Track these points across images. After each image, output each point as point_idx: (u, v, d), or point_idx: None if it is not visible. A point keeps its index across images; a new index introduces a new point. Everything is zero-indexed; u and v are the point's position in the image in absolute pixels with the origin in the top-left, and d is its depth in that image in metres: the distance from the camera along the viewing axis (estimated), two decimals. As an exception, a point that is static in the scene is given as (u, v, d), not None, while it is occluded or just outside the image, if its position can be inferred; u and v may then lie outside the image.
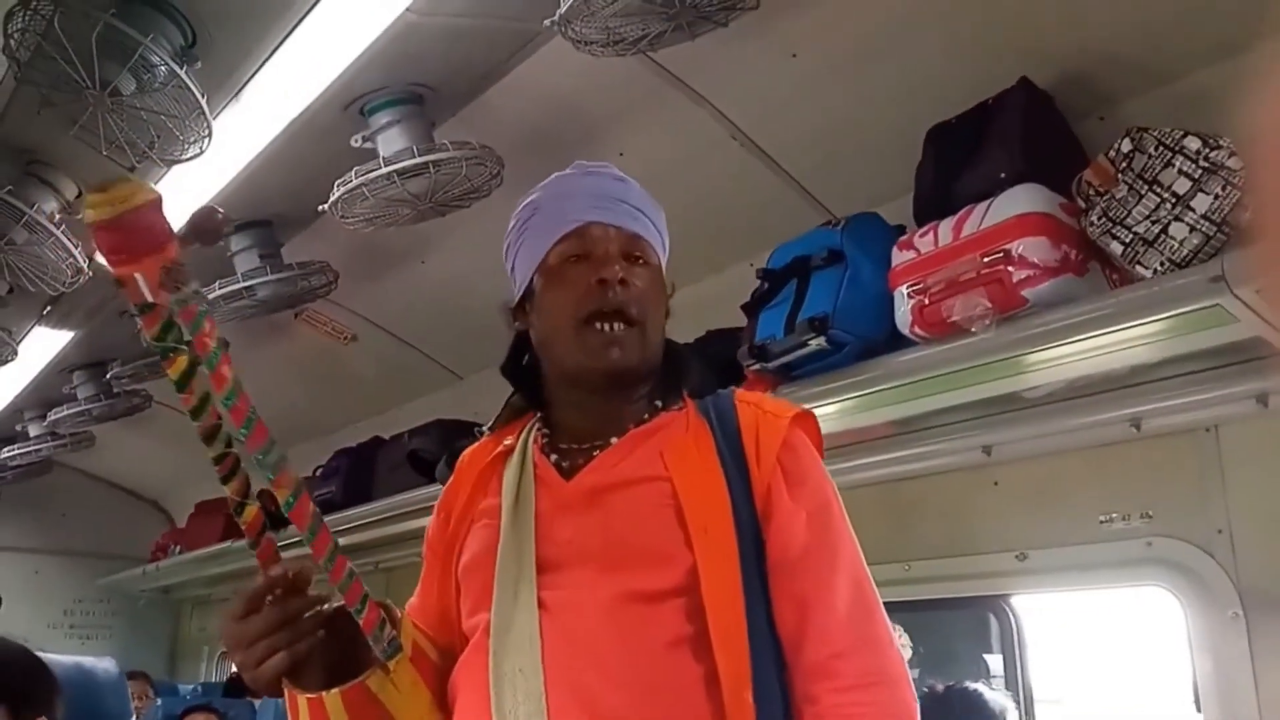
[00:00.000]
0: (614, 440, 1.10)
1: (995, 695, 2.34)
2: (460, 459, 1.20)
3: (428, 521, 1.20)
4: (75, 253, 2.75)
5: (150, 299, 0.87)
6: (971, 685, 2.37)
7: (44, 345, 3.83)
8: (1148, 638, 2.59)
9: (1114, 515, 2.14)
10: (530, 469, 1.10)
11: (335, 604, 0.98)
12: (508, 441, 1.15)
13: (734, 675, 0.95)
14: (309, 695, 0.97)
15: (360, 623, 0.97)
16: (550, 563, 1.02)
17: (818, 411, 2.09)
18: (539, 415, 1.18)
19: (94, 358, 4.09)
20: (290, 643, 0.93)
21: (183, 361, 0.88)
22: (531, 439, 1.14)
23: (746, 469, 1.05)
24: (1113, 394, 2.01)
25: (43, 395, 4.46)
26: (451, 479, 1.18)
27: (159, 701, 3.63)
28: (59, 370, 4.19)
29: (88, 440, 4.77)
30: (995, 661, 2.79)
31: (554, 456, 1.12)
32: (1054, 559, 2.28)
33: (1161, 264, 1.64)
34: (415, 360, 3.76)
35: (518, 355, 1.20)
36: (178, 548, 5.00)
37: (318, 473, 4.02)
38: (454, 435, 3.27)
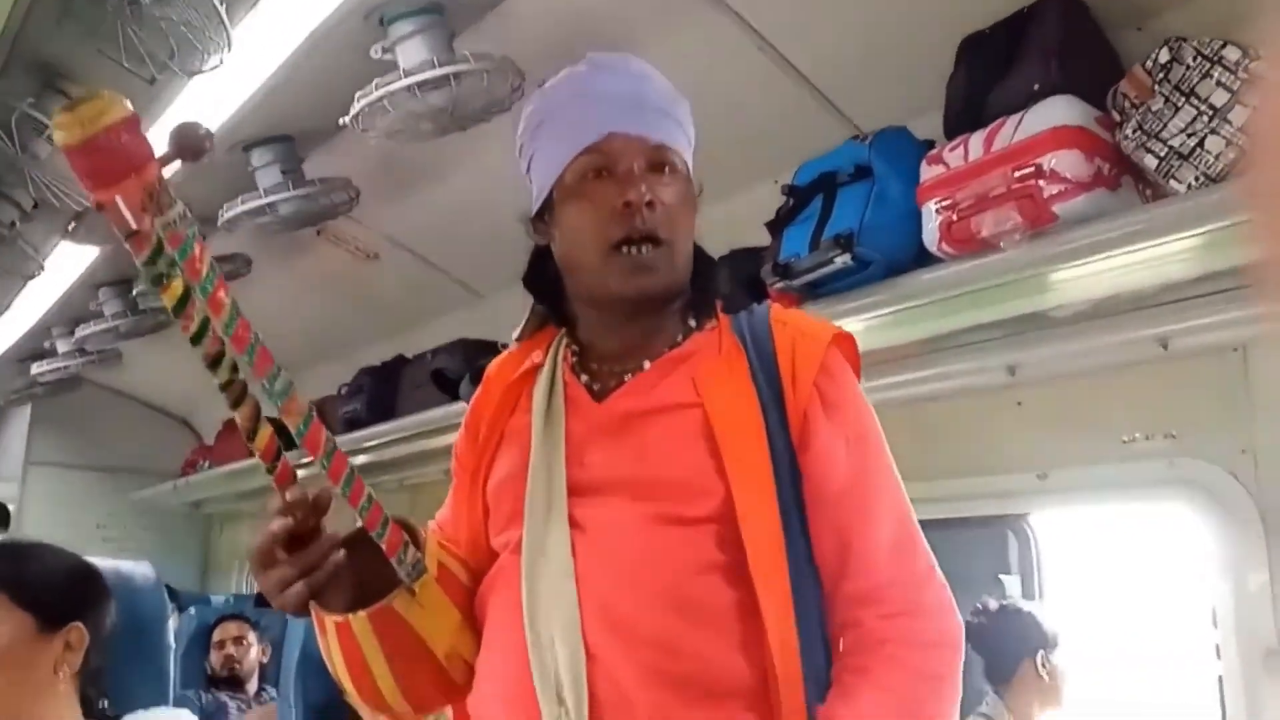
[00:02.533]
0: (646, 364, 1.07)
1: (1048, 617, 2.36)
2: (488, 371, 1.17)
3: (452, 439, 1.18)
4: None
5: (133, 224, 0.83)
6: (1025, 606, 2.38)
7: (70, 261, 3.84)
8: (1166, 559, 2.59)
9: (1137, 435, 2.13)
10: (560, 388, 1.08)
11: (356, 527, 0.98)
12: (535, 357, 1.12)
13: (776, 605, 0.94)
14: (335, 618, 0.97)
15: (383, 545, 0.97)
16: (581, 485, 1.01)
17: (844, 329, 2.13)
18: (566, 331, 1.15)
19: (120, 274, 4.11)
20: (312, 567, 0.93)
21: (177, 287, 0.86)
22: (561, 356, 1.11)
23: (782, 394, 1.02)
24: (1141, 313, 1.99)
25: (70, 312, 4.49)
26: (479, 391, 1.16)
27: (191, 610, 3.72)
28: (86, 286, 4.22)
29: (115, 357, 4.82)
30: (1011, 584, 2.81)
31: (584, 377, 1.09)
32: (1075, 478, 2.27)
33: (1196, 178, 1.60)
34: (437, 279, 3.75)
35: (539, 267, 1.16)
36: (206, 463, 5.08)
37: (342, 391, 4.06)
38: (477, 354, 3.29)
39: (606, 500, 0.99)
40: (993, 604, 2.41)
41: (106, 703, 1.37)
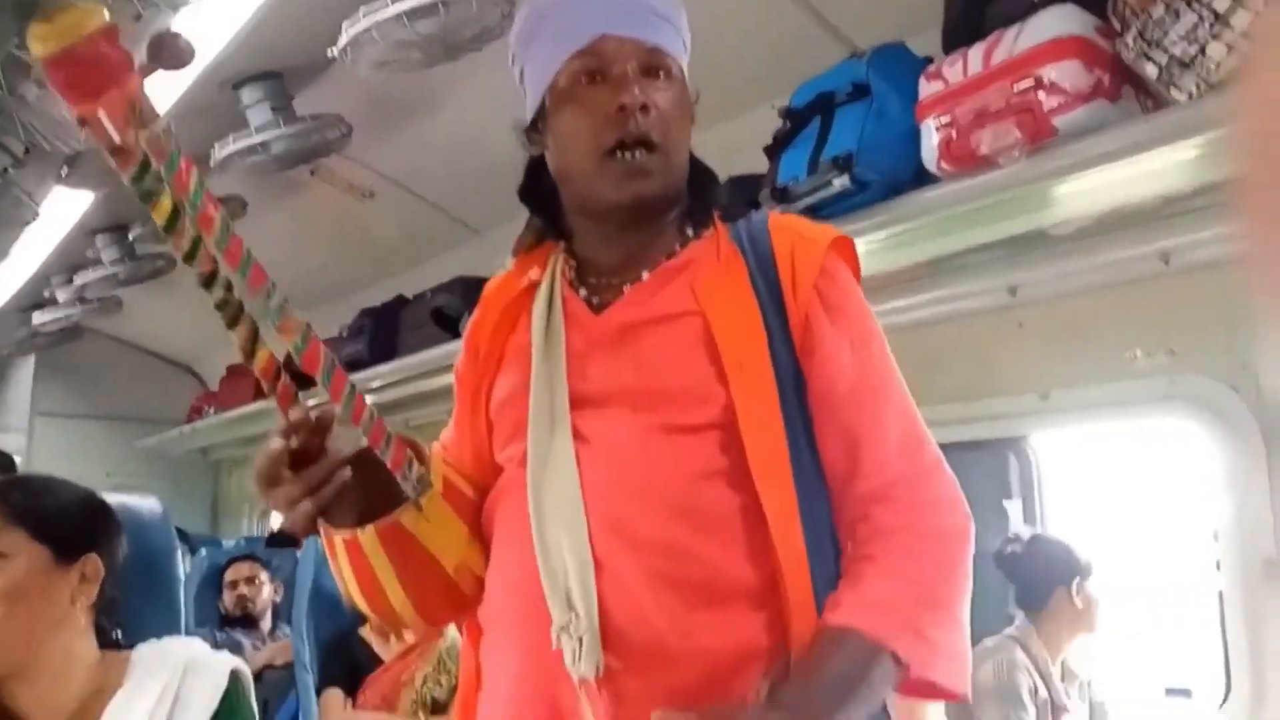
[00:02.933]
0: (644, 274, 1.06)
1: (1080, 547, 2.38)
2: (485, 290, 1.16)
3: (454, 379, 1.18)
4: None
5: (118, 139, 0.82)
6: (1057, 537, 2.40)
7: (65, 207, 3.81)
8: (1166, 478, 2.61)
9: (1138, 352, 2.13)
10: (559, 304, 1.07)
11: (361, 445, 0.98)
12: (533, 274, 1.11)
13: (780, 506, 0.94)
14: (344, 535, 0.98)
15: (387, 462, 0.97)
16: (584, 398, 1.01)
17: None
18: (563, 245, 1.14)
19: (116, 220, 4.09)
20: (318, 485, 0.93)
21: (166, 204, 0.85)
22: (559, 272, 1.10)
23: (782, 299, 1.01)
24: (1142, 228, 1.97)
25: (68, 259, 4.48)
26: (477, 312, 1.15)
27: (203, 551, 3.76)
28: (82, 233, 4.19)
29: (116, 305, 4.81)
30: (1013, 508, 2.83)
31: (583, 291, 1.08)
32: (1077, 398, 2.28)
33: (1197, 86, 1.57)
34: (434, 216, 3.73)
35: (535, 179, 1.14)
36: (211, 409, 5.10)
37: (343, 333, 4.06)
38: (476, 292, 3.23)
39: (609, 411, 0.99)
40: (1026, 533, 2.43)
41: (120, 633, 1.39)
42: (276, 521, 5.36)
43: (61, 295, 4.80)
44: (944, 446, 2.64)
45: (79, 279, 4.41)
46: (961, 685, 0.96)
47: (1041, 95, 1.66)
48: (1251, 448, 1.99)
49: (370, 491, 0.99)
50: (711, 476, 0.96)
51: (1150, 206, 1.88)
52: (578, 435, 0.99)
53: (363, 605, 1.05)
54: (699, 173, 1.10)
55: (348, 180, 3.63)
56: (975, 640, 2.71)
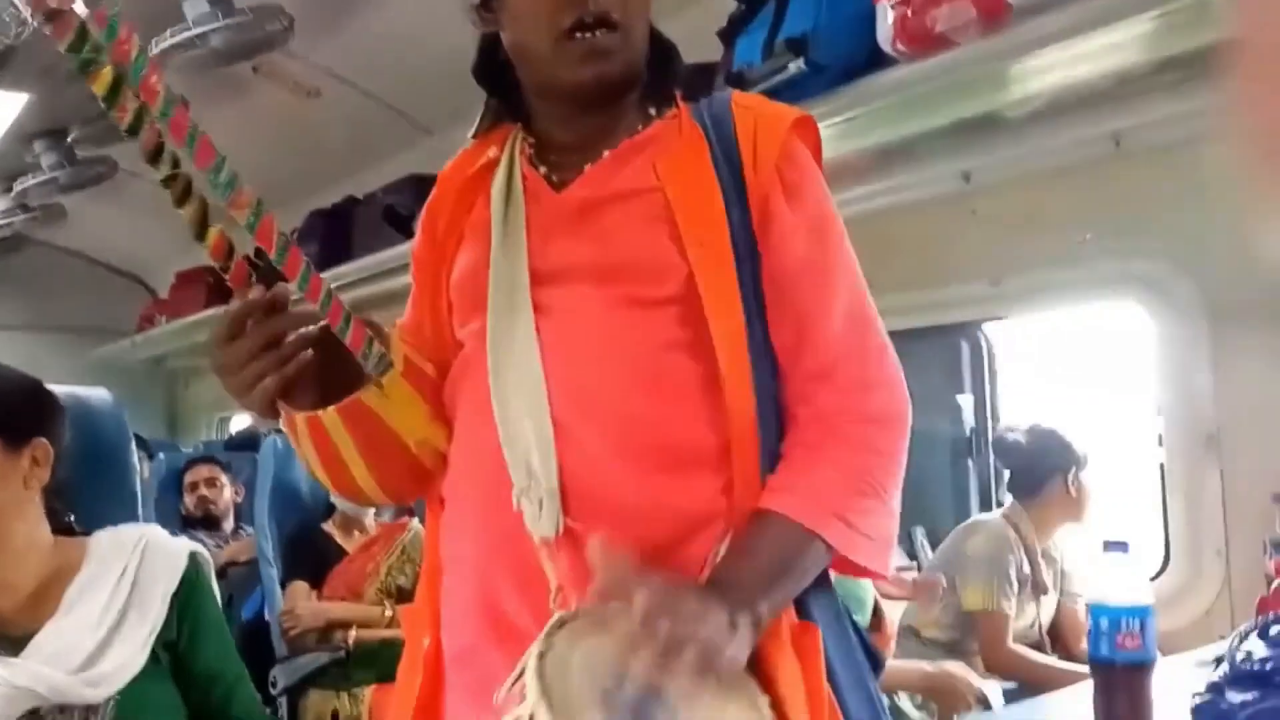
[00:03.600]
0: (605, 153, 1.04)
1: (1076, 437, 2.42)
2: (441, 172, 1.14)
3: (409, 279, 1.17)
4: (16, 1, 2.60)
5: (53, 2, 0.78)
6: (1049, 426, 2.44)
7: (1, 109, 3.69)
8: (1112, 362, 2.67)
9: (1089, 235, 2.16)
10: (519, 181, 1.05)
11: (320, 325, 0.97)
12: (491, 153, 1.08)
13: (735, 376, 0.95)
14: (306, 414, 0.98)
15: (346, 341, 0.96)
16: (544, 274, 1.00)
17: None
18: (521, 125, 1.11)
19: (54, 124, 3.96)
20: (279, 365, 0.91)
21: (106, 75, 0.81)
22: (518, 150, 1.08)
23: (743, 178, 1.00)
24: (1094, 109, 1.98)
25: (5, 166, 4.35)
26: (434, 193, 1.13)
27: (161, 456, 3.75)
28: (19, 139, 4.07)
29: (59, 213, 4.70)
30: (966, 403, 2.88)
31: (543, 169, 1.05)
32: (1028, 282, 2.31)
33: (1153, -40, 1.57)
34: (383, 115, 3.65)
35: (488, 57, 1.09)
36: (163, 318, 5.03)
37: (294, 235, 3.99)
38: (429, 190, 3.22)
39: (569, 286, 0.99)
40: (1026, 423, 2.48)
41: (75, 519, 1.39)
42: (236, 426, 5.35)
43: (1, 204, 4.67)
44: (897, 334, 2.69)
45: (18, 186, 4.28)
46: (884, 567, 0.99)
47: (997, -30, 1.64)
48: (1197, 328, 2.04)
49: (330, 373, 0.98)
50: (671, 347, 0.97)
51: (1103, 86, 1.88)
52: (538, 308, 0.99)
53: (326, 482, 1.06)
54: (659, 48, 1.07)
55: (292, 78, 3.53)
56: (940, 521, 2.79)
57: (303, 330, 0.95)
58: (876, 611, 2.00)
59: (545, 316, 0.98)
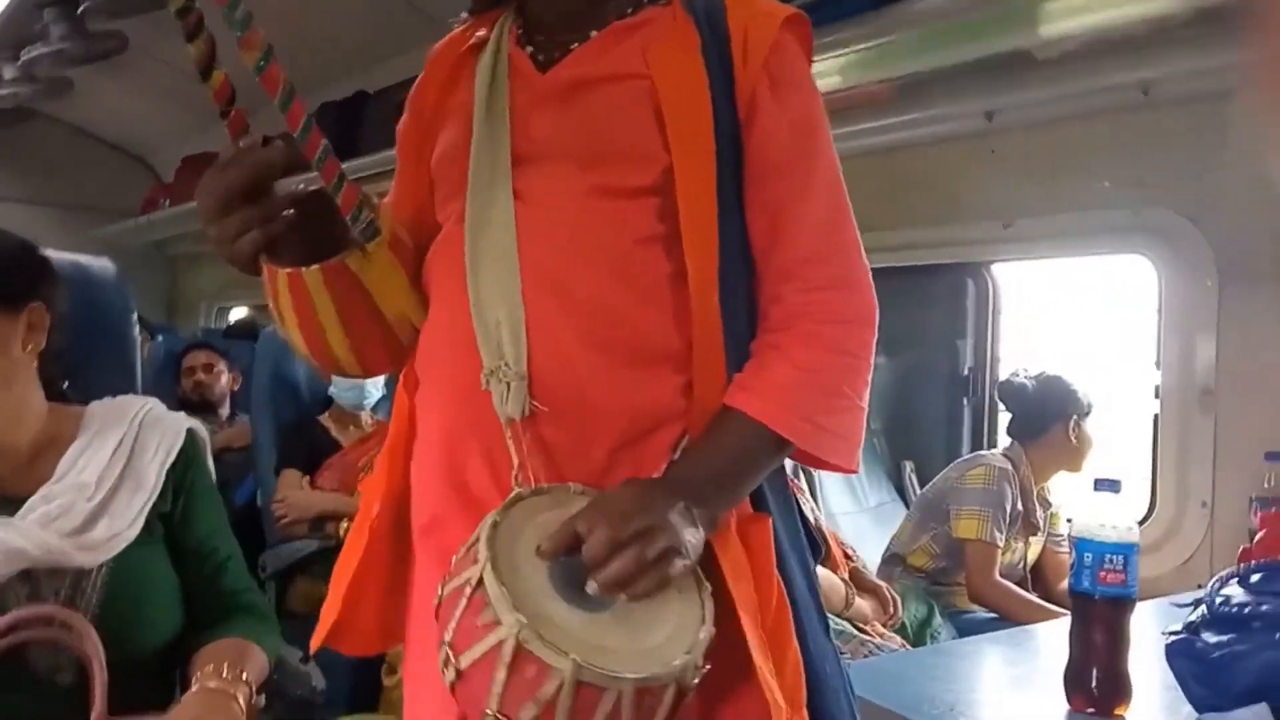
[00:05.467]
0: (594, 34, 1.02)
1: (1081, 384, 2.43)
2: (431, 52, 1.13)
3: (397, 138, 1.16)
4: None
5: None
6: (1056, 373, 2.44)
7: (9, -25, 3.61)
8: (1116, 308, 2.67)
9: (1107, 183, 2.14)
10: (505, 61, 1.03)
11: (311, 185, 0.96)
12: (481, 33, 1.06)
13: (702, 275, 0.95)
14: (288, 271, 0.98)
15: (338, 202, 0.95)
16: (525, 156, 0.99)
17: (821, 66, 2.06)
18: (515, 6, 1.10)
19: (64, -8, 3.87)
20: (265, 218, 0.89)
21: None
22: (506, 30, 1.06)
23: (732, 71, 0.98)
24: (1126, 56, 1.95)
25: (14, 35, 4.26)
26: (422, 73, 1.12)
27: (159, 339, 3.75)
28: (29, 6, 3.98)
29: (67, 86, 4.62)
30: (964, 347, 2.89)
31: (530, 49, 1.04)
32: (1040, 226, 2.30)
33: (1204, -99, 1.52)
34: (399, 8, 3.57)
35: None
36: (166, 202, 4.99)
37: (304, 125, 3.94)
38: (443, 88, 3.17)
39: (549, 170, 0.98)
40: (1034, 369, 2.49)
41: (70, 386, 1.39)
42: (235, 315, 5.35)
43: (7, 72, 4.59)
44: (905, 270, 2.68)
45: (25, 55, 4.20)
46: (850, 462, 1.00)
47: (1043, -102, 1.60)
48: (1203, 284, 2.04)
49: (315, 235, 0.98)
50: (646, 241, 0.97)
51: (1137, 34, 1.85)
52: (517, 194, 0.98)
53: (300, 344, 1.05)
54: None
55: (309, -36, 3.45)
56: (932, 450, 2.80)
57: (293, 189, 0.94)
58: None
59: (523, 201, 0.98)
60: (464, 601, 0.80)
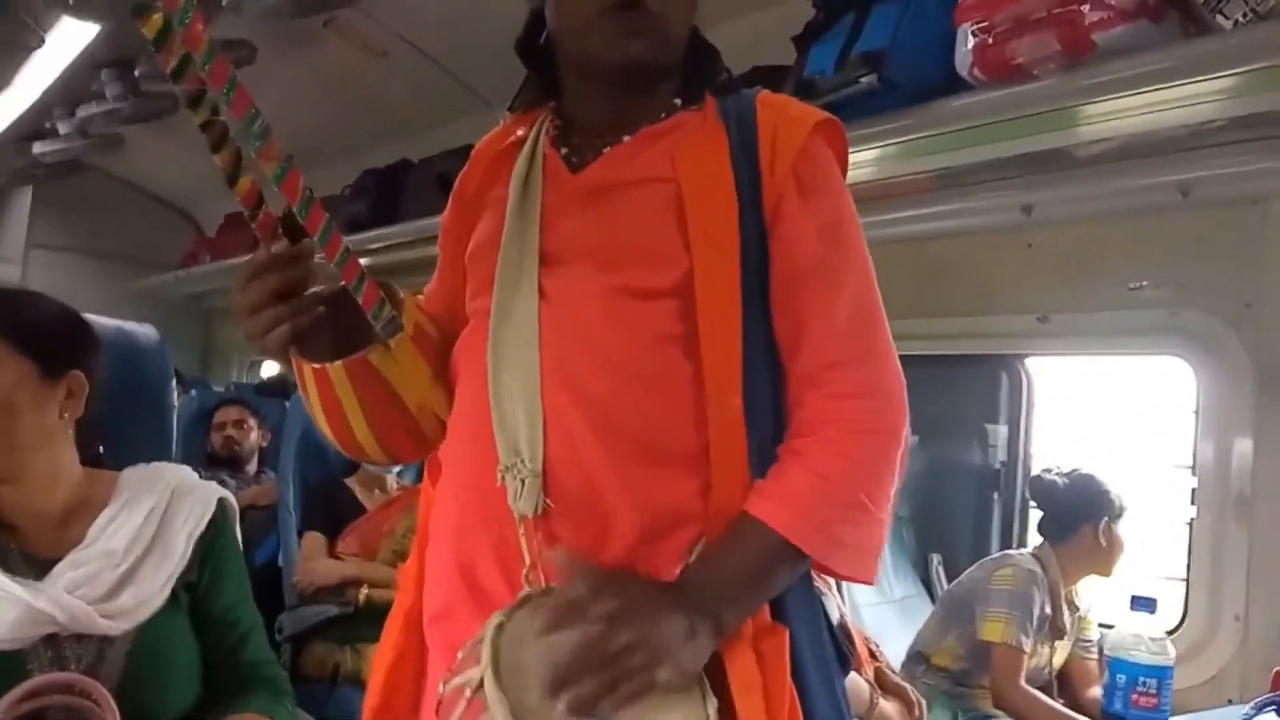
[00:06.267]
0: (626, 138, 1.05)
1: (1114, 487, 2.39)
2: (476, 146, 1.16)
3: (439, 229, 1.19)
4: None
5: None
6: (1089, 472, 2.41)
7: (71, 38, 3.73)
8: (1152, 410, 2.63)
9: (1144, 283, 2.13)
10: (540, 160, 1.07)
11: (337, 283, 0.98)
12: (520, 132, 1.10)
13: (722, 379, 0.95)
14: (314, 365, 1.00)
15: (359, 300, 0.98)
16: (552, 255, 1.01)
17: (859, 156, 2.09)
18: (554, 106, 1.12)
19: (121, 55, 4.00)
20: (294, 314, 0.94)
21: (157, 19, 0.84)
22: (544, 130, 1.09)
23: (759, 175, 1.00)
24: (1166, 157, 1.95)
25: (71, 92, 4.39)
26: (467, 166, 1.15)
27: (193, 392, 3.78)
28: (87, 67, 4.10)
29: (117, 142, 4.75)
30: (996, 432, 2.86)
31: (564, 150, 1.07)
32: (1075, 323, 2.29)
33: (1244, 14, 1.54)
34: (446, 83, 3.66)
35: (534, 34, 1.11)
36: (207, 256, 5.08)
37: (346, 191, 4.02)
38: (485, 161, 3.23)
39: (573, 270, 1.00)
40: (1066, 467, 2.45)
41: (104, 450, 1.40)
42: (267, 371, 5.39)
43: (63, 128, 4.73)
44: (938, 359, 2.67)
45: (81, 112, 4.33)
46: (867, 575, 0.98)
47: (1085, 8, 1.62)
48: (1243, 387, 2.01)
49: (343, 330, 1.01)
50: (666, 342, 0.97)
51: (1178, 135, 1.86)
52: (542, 292, 1.00)
53: (328, 433, 1.09)
54: (700, 49, 1.08)
55: (362, 36, 3.54)
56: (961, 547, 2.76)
57: (319, 286, 0.97)
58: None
59: (547, 299, 0.99)
60: (463, 703, 0.81)
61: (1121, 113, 1.76)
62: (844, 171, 1.06)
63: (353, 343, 1.00)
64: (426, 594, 1.05)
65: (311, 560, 2.72)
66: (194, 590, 1.34)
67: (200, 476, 1.46)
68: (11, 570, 1.22)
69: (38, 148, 4.89)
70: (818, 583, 1.08)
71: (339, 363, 0.99)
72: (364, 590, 2.64)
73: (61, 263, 5.86)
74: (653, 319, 0.97)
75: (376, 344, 1.00)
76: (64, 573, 1.24)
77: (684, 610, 0.86)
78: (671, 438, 0.95)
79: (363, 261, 0.99)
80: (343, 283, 0.97)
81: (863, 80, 1.95)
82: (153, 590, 1.28)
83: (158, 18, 0.84)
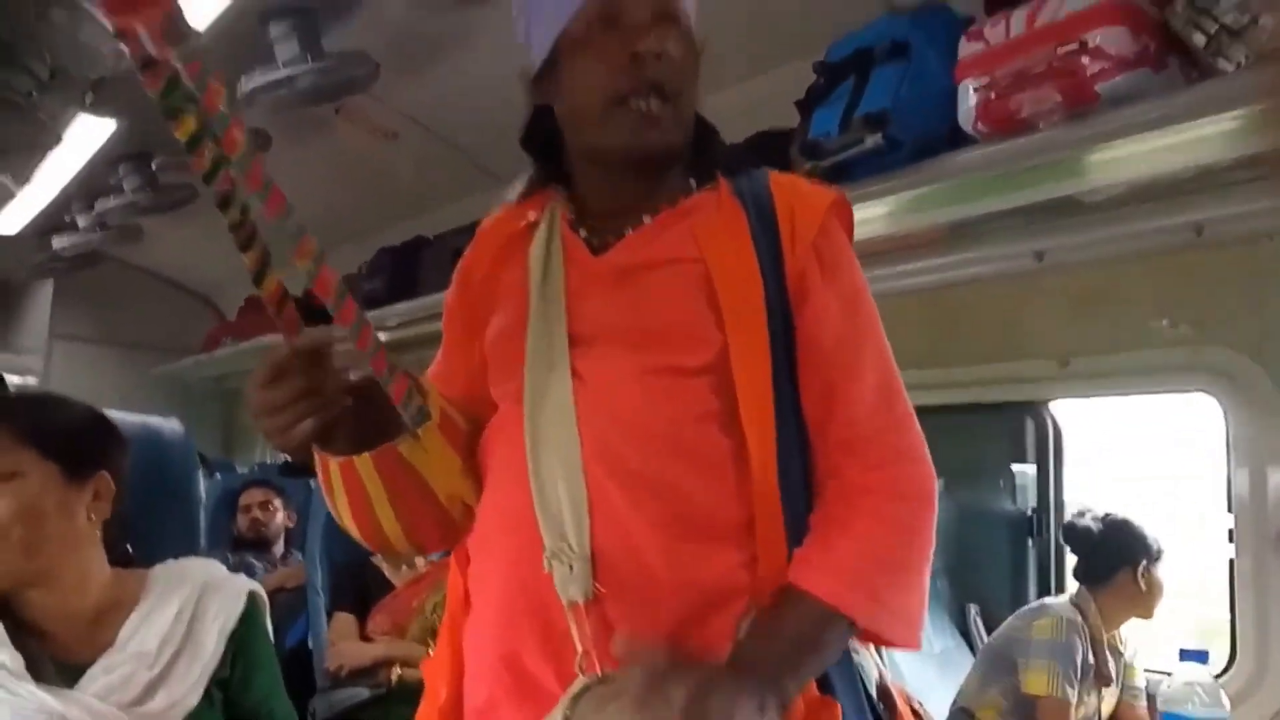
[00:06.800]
0: (646, 219, 1.06)
1: (1149, 529, 2.37)
2: (480, 227, 1.17)
3: (443, 309, 1.19)
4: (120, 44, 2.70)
5: (153, 53, 0.82)
6: (1124, 515, 2.39)
7: (89, 134, 3.81)
8: (1181, 447, 2.61)
9: (1164, 322, 2.12)
10: (558, 244, 1.08)
11: (363, 374, 0.98)
12: (531, 216, 1.11)
13: (762, 451, 0.97)
14: (340, 459, 1.00)
15: (389, 391, 0.98)
16: (581, 337, 1.02)
17: (868, 212, 2.10)
18: (563, 190, 1.13)
19: (139, 148, 4.07)
20: (319, 409, 0.93)
21: (190, 122, 0.85)
22: (558, 215, 1.11)
23: (780, 253, 1.03)
24: (1176, 199, 1.95)
25: (89, 186, 4.47)
26: (471, 247, 1.16)
27: (218, 476, 3.79)
28: (105, 161, 4.19)
29: (136, 232, 4.81)
30: (1023, 473, 2.83)
31: (583, 233, 1.08)
32: (1098, 365, 2.28)
33: (1246, 57, 1.55)
34: (457, 161, 3.71)
35: (537, 125, 1.12)
36: (229, 340, 5.12)
37: (362, 269, 4.06)
38: (499, 235, 3.26)
39: (605, 351, 1.01)
40: (1100, 511, 2.43)
41: (133, 549, 1.41)
42: (291, 454, 5.40)
43: (82, 221, 4.80)
44: (961, 408, 2.65)
45: (100, 206, 4.40)
46: (912, 641, 0.99)
47: (1085, 59, 1.64)
48: (1272, 421, 1.99)
49: (365, 421, 1.00)
50: (704, 419, 0.98)
51: (1186, 177, 1.86)
52: (574, 374, 1.00)
53: (352, 527, 1.07)
54: (701, 128, 1.10)
55: (372, 120, 3.60)
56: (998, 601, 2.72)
57: (343, 378, 0.97)
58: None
59: (581, 382, 1.00)
60: None
61: (1129, 158, 1.76)
62: (850, 242, 1.09)
63: (375, 433, 1.00)
64: (468, 688, 1.04)
65: (342, 641, 2.70)
66: (226, 687, 1.34)
67: (226, 559, 1.47)
68: (44, 678, 1.22)
69: (57, 242, 4.97)
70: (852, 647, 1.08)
71: (367, 455, 0.99)
72: (396, 670, 2.62)
73: (84, 353, 5.92)
74: (691, 397, 0.98)
75: (405, 434, 1.00)
76: (96, 678, 1.24)
77: (751, 689, 0.85)
78: (717, 513, 0.96)
79: (381, 336, 0.99)
80: (374, 373, 0.97)
81: (868, 140, 1.97)
82: (185, 691, 1.28)
83: (190, 121, 0.85)
